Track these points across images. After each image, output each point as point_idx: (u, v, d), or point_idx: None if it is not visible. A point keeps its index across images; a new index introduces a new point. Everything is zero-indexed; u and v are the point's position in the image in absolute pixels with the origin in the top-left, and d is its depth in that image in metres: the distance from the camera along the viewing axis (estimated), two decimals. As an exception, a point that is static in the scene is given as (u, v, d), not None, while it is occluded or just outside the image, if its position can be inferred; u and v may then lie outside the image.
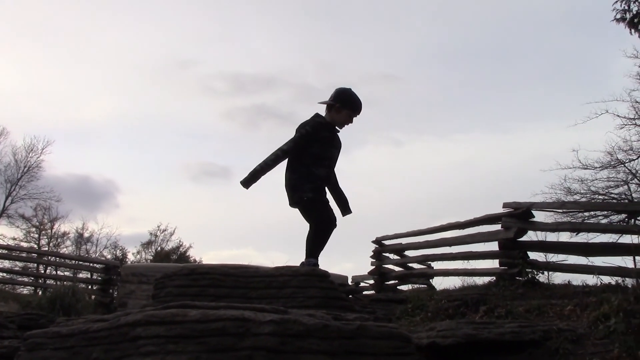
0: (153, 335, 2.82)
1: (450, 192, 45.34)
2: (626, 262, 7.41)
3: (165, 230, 32.93)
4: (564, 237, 10.43)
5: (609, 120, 20.89)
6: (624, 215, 16.35)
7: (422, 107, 54.37)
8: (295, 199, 5.08)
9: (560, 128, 45.54)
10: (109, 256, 30.32)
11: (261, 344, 2.77)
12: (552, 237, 10.14)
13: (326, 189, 5.21)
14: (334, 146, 5.26)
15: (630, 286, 6.17)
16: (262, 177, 4.96)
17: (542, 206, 9.73)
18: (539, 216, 9.64)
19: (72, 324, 3.46)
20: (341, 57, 56.21)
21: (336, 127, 5.16)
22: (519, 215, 9.14)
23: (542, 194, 17.69)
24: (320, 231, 5.06)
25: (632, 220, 15.14)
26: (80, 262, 19.32)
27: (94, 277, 17.45)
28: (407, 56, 53.08)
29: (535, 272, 8.70)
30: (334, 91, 5.15)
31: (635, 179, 19.61)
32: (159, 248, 32.22)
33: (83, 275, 18.87)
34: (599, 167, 19.55)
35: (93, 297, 15.34)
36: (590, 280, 8.37)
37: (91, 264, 19.39)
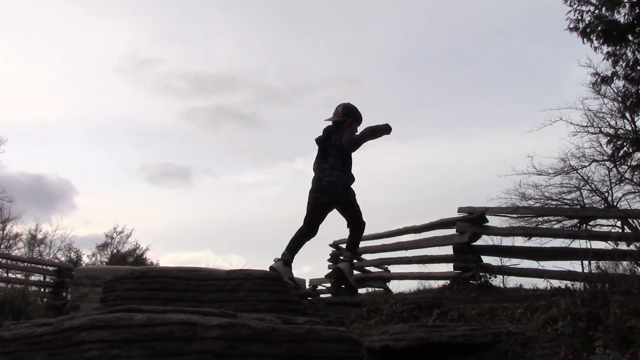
0: (97, 339, 2.76)
1: (408, 196, 45.83)
2: (574, 266, 7.58)
3: (121, 232, 32.35)
4: (518, 241, 10.63)
5: (563, 128, 21.40)
6: (575, 221, 16.76)
7: (383, 111, 54.85)
8: (348, 196, 5.71)
9: (516, 134, 46.40)
10: (62, 258, 29.60)
11: (208, 348, 2.74)
12: (506, 241, 10.33)
13: None
14: None
15: (578, 290, 6.32)
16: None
17: (496, 211, 9.89)
18: (494, 221, 9.81)
19: (15, 328, 3.37)
20: (304, 59, 56.27)
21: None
22: (473, 220, 9.28)
23: (498, 199, 18.01)
24: (362, 230, 5.97)
25: (584, 225, 15.52)
26: (32, 265, 18.85)
27: (47, 279, 17.03)
28: (370, 60, 53.40)
29: (488, 276, 8.85)
30: (340, 107, 5.71)
31: (587, 185, 20.13)
32: (114, 250, 31.64)
33: (35, 278, 18.35)
34: (553, 173, 20.01)
35: (45, 300, 14.97)
36: (541, 284, 8.56)
37: (44, 267, 18.91)
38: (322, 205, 5.72)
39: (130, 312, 2.86)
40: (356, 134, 5.75)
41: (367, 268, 12.31)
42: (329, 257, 12.54)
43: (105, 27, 52.98)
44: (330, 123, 5.73)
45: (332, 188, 5.60)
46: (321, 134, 5.74)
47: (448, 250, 9.68)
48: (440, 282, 9.77)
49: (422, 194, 46.78)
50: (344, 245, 12.31)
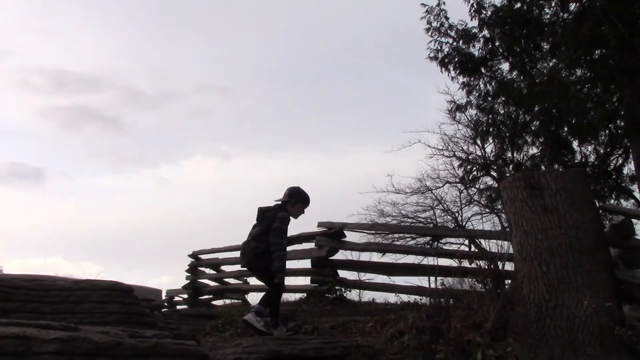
0: None
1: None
2: (423, 282, 8.00)
3: (-40, 236, 29.65)
4: (374, 257, 11.03)
5: (421, 150, 22.53)
6: (428, 238, 17.69)
7: (251, 122, 54.69)
8: (264, 270, 6.16)
9: (378, 153, 48.28)
10: None
11: (43, 363, 2.57)
12: (363, 256, 10.68)
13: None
14: None
15: (424, 304, 6.66)
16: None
17: (354, 227, 10.20)
18: (352, 236, 10.10)
19: None
20: (174, 64, 54.86)
21: (291, 217, 6.33)
22: (332, 235, 9.51)
23: (358, 214, 18.55)
24: (276, 292, 6.23)
25: (435, 243, 16.41)
26: None
27: None
28: (241, 70, 53.22)
29: (344, 290, 9.09)
30: (287, 191, 6.40)
31: (440, 205, 21.35)
32: (-49, 256, 28.91)
33: None
34: (410, 192, 21.02)
35: None
36: (392, 298, 8.94)
37: None
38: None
39: (-44, 325, 2.62)
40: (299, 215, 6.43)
41: (226, 280, 12.18)
42: (188, 267, 12.25)
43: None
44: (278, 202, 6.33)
45: (243, 254, 6.26)
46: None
47: (306, 263, 9.83)
48: (298, 295, 9.89)
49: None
50: (203, 256, 12.15)
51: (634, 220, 5.98)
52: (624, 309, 4.95)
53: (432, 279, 6.48)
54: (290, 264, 10.23)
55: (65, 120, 51.04)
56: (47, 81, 50.43)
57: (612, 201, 12.29)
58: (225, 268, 12.05)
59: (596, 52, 11.13)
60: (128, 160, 51.04)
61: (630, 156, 12.42)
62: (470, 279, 6.16)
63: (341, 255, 9.84)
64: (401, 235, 18.22)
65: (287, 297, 10.45)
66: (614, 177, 13.21)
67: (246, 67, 53.67)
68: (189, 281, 12.14)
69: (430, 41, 13.03)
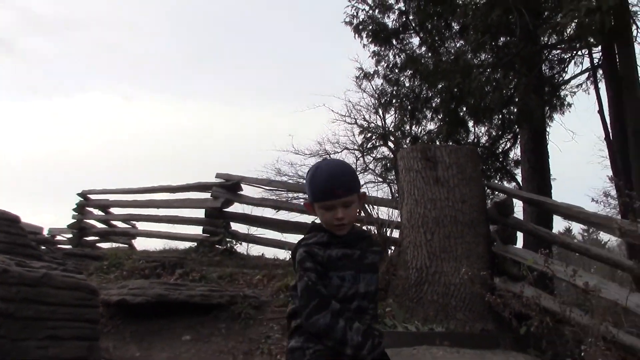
0: None
1: (170, 155, 45.03)
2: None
3: None
4: (268, 213, 11.11)
5: (324, 114, 22.80)
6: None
7: (158, 65, 52.80)
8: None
9: (284, 112, 48.20)
10: None
11: None
12: (256, 211, 10.76)
13: None
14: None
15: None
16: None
17: (252, 181, 10.21)
18: (248, 191, 10.12)
19: None
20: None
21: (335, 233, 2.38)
22: (229, 187, 9.49)
23: (256, 171, 18.62)
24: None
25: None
26: None
27: None
28: (154, 10, 50.96)
29: (235, 242, 9.15)
30: None
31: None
32: None
33: None
34: (308, 154, 21.33)
35: None
36: (282, 254, 9.12)
37: None
38: None
39: None
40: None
41: (114, 222, 11.87)
42: (75, 206, 11.81)
43: None
44: None
45: None
46: None
47: (199, 213, 9.78)
48: (187, 244, 9.84)
49: (183, 156, 46.36)
50: (93, 197, 11.77)
51: (514, 201, 6.42)
52: (495, 281, 5.34)
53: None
54: (183, 212, 10.15)
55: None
56: None
57: (496, 182, 13.00)
58: (114, 211, 11.76)
59: (501, 38, 11.63)
60: (20, 88, 47.98)
61: (518, 142, 13.18)
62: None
63: (236, 208, 9.84)
64: (295, 195, 18.53)
65: (176, 244, 10.40)
66: (501, 159, 13.97)
67: (160, 7, 51.60)
68: (75, 220, 11.73)
69: (348, 6, 13.08)
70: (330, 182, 2.25)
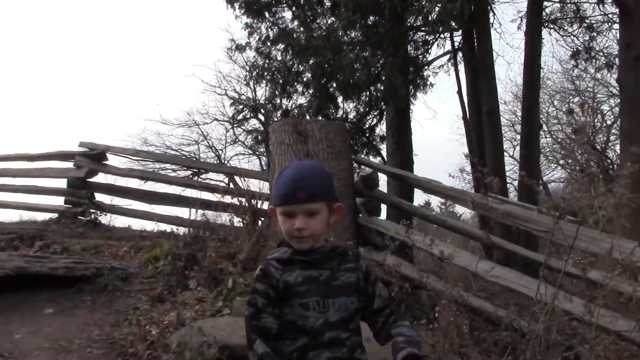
0: None
1: (27, 122, 42.19)
2: (184, 213, 8.07)
3: None
4: (134, 183, 10.80)
5: (194, 83, 22.42)
6: (190, 172, 17.84)
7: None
8: None
9: (151, 81, 46.59)
10: None
11: None
12: (121, 182, 10.43)
13: None
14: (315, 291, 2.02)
15: (182, 234, 6.80)
16: None
17: (118, 151, 9.85)
18: (114, 161, 9.78)
19: None
20: None
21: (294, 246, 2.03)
22: (93, 156, 9.13)
23: (121, 140, 17.99)
24: None
25: (197, 177, 16.59)
26: None
27: None
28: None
29: (99, 213, 8.84)
30: None
31: (205, 141, 21.57)
32: None
33: None
34: (177, 125, 20.94)
35: None
36: (150, 226, 8.95)
37: None
38: None
39: None
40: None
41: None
42: None
43: None
44: None
45: None
46: None
47: (61, 183, 9.33)
48: (47, 215, 9.36)
49: (43, 122, 43.62)
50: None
51: (379, 175, 6.75)
52: (360, 250, 5.62)
53: (193, 211, 6.61)
54: (42, 182, 9.62)
55: None
56: None
57: (363, 156, 13.51)
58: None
59: (371, 18, 12.00)
60: None
61: (384, 118, 13.77)
62: (229, 214, 6.43)
63: (98, 178, 9.47)
64: (163, 165, 18.18)
65: (35, 216, 9.87)
66: (367, 135, 14.52)
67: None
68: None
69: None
70: (293, 184, 1.90)
